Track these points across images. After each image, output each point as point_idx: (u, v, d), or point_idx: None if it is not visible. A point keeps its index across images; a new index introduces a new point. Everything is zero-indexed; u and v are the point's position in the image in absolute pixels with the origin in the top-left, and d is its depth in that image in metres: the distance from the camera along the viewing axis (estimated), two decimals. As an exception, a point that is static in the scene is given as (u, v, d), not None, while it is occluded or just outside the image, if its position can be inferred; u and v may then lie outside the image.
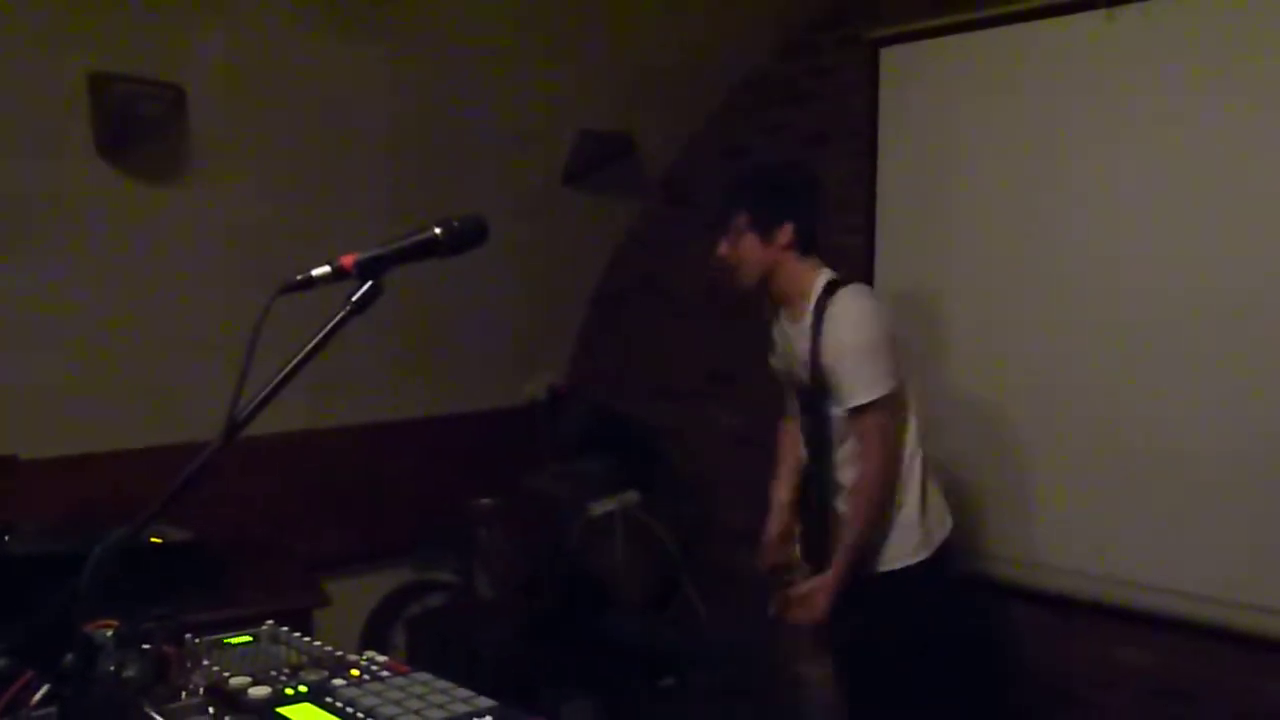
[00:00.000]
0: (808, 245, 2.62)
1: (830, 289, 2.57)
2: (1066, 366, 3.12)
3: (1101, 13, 2.99)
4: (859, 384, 2.52)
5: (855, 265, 3.55)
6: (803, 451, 2.79)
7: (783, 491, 2.86)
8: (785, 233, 2.59)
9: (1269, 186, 2.76)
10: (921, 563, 2.62)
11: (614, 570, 3.89)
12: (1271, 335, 2.77)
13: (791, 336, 2.66)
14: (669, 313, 4.32)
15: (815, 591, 2.56)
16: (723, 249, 2.63)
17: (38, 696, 1.25)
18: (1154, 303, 2.95)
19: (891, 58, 3.49)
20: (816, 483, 2.71)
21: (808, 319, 2.59)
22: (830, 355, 2.54)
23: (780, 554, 2.82)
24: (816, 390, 2.60)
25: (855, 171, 3.62)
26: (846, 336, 2.53)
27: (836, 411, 2.59)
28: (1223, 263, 2.84)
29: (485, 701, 1.21)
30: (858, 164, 3.61)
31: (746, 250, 2.60)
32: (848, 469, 2.62)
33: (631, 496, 3.96)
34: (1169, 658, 3.03)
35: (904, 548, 2.62)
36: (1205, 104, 2.86)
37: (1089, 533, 3.10)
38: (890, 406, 2.55)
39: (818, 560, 2.67)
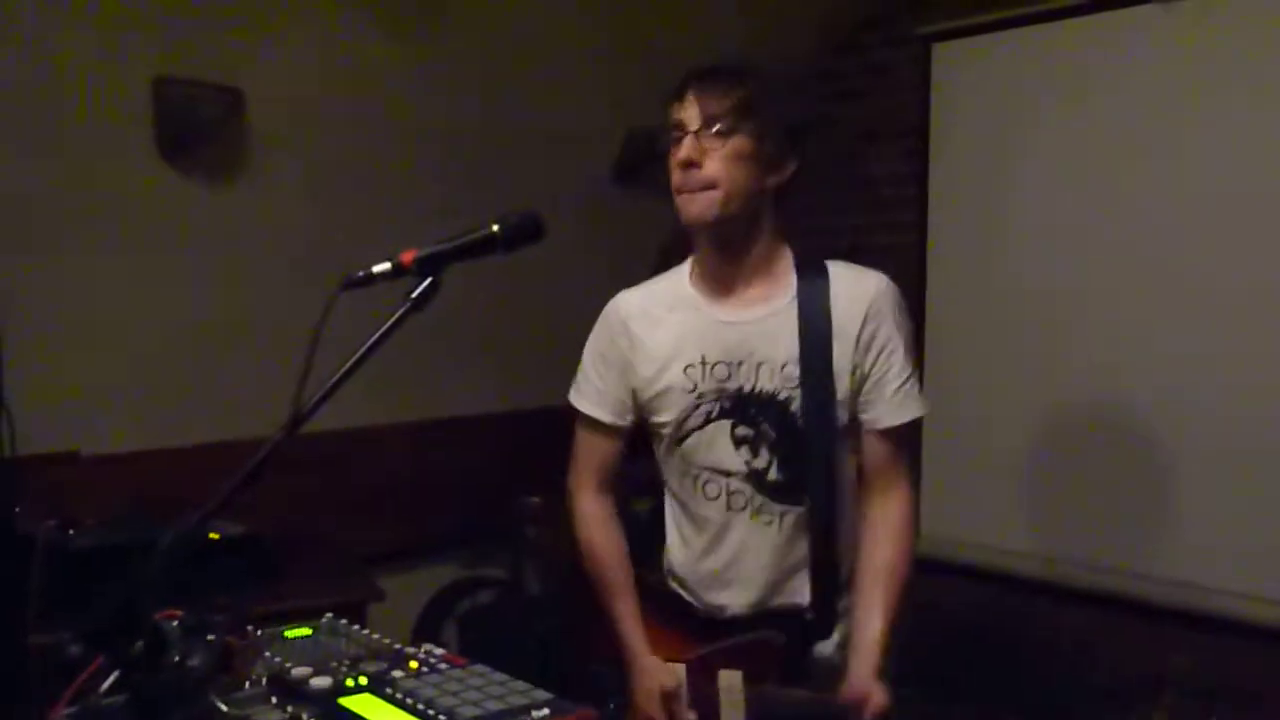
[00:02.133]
0: (783, 203, 1.81)
1: (810, 262, 1.82)
2: (1127, 368, 3.07)
3: (1159, 4, 2.94)
4: (914, 388, 1.77)
5: (907, 265, 3.53)
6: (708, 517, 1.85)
7: (630, 602, 1.95)
8: (785, 172, 1.77)
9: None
10: None
11: (652, 565, 3.88)
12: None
13: (732, 325, 1.79)
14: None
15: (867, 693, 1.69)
16: (691, 148, 1.73)
17: (107, 684, 1.28)
18: (1217, 299, 2.89)
19: (944, 54, 3.46)
20: (826, 542, 1.79)
21: (778, 303, 1.78)
22: (884, 343, 1.75)
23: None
24: (817, 404, 1.74)
25: (907, 170, 3.59)
26: (894, 316, 1.76)
27: (840, 441, 1.78)
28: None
29: (541, 694, 1.22)
30: (910, 162, 3.59)
31: (739, 164, 1.72)
32: (846, 527, 1.81)
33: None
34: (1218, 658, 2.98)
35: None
36: (1269, 95, 2.80)
37: (1142, 532, 3.05)
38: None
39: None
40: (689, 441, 1.83)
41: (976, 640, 3.32)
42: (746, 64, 1.81)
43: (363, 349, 1.24)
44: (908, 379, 1.76)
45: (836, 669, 1.78)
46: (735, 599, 1.85)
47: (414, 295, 1.27)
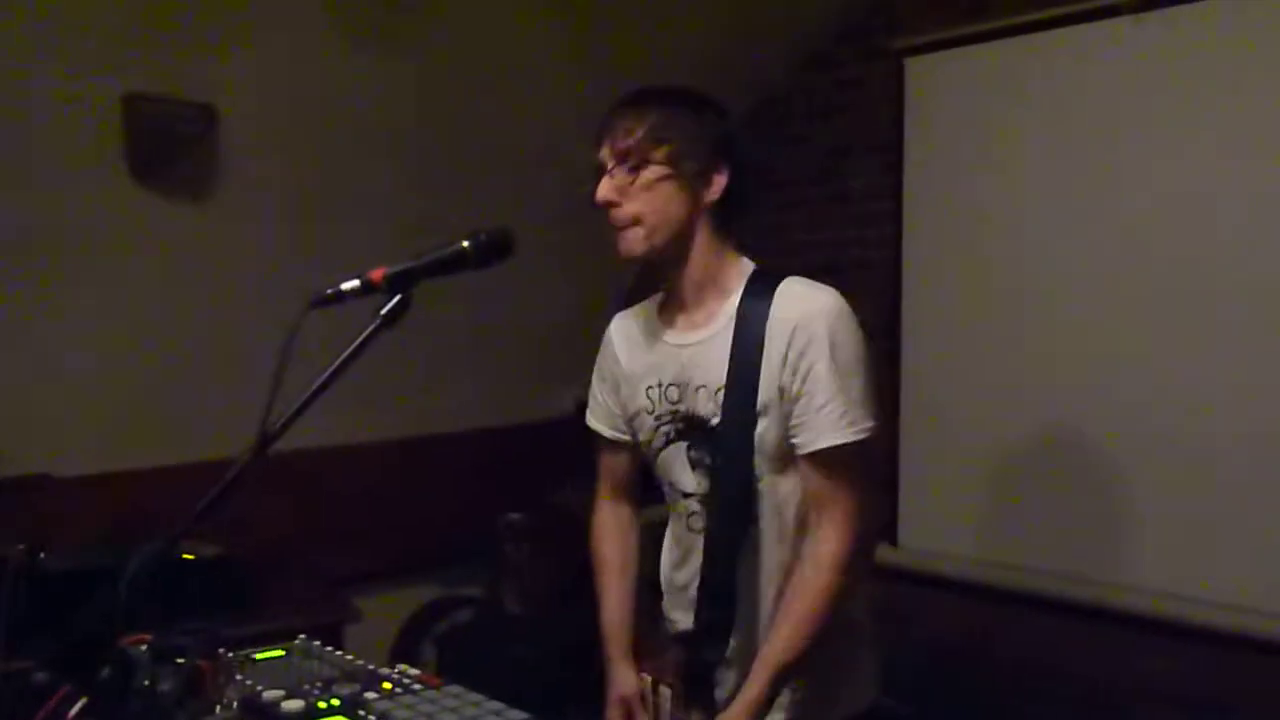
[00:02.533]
0: (729, 217, 1.77)
1: (763, 278, 1.75)
2: (1102, 378, 3.09)
3: (1128, 18, 2.98)
4: (849, 407, 1.64)
5: (883, 280, 3.54)
6: (682, 530, 1.83)
7: (618, 609, 1.92)
8: (716, 186, 1.71)
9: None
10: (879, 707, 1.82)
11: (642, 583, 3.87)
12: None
13: (679, 348, 1.78)
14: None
15: None
16: (606, 189, 1.71)
17: (75, 710, 1.26)
18: (1190, 304, 2.91)
19: (917, 68, 3.48)
20: (724, 566, 1.71)
21: (717, 326, 1.73)
22: (815, 360, 1.64)
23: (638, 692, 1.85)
24: (738, 428, 1.68)
25: (882, 184, 3.61)
26: (829, 334, 1.64)
27: (763, 466, 1.70)
28: (1258, 263, 2.80)
29: (516, 714, 1.21)
30: (884, 177, 3.60)
31: (659, 195, 1.68)
32: (779, 548, 1.72)
33: (659, 511, 3.94)
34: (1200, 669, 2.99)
35: (866, 678, 1.84)
36: (1233, 108, 2.84)
37: (1116, 541, 3.06)
38: (870, 456, 1.71)
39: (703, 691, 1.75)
40: (657, 461, 1.83)
41: (952, 651, 3.32)
42: (653, 90, 1.78)
43: (332, 368, 1.23)
44: (835, 401, 1.64)
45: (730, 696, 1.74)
46: (690, 616, 1.82)
47: (384, 312, 1.27)
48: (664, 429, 1.79)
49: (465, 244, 1.32)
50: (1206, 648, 2.92)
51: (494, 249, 1.34)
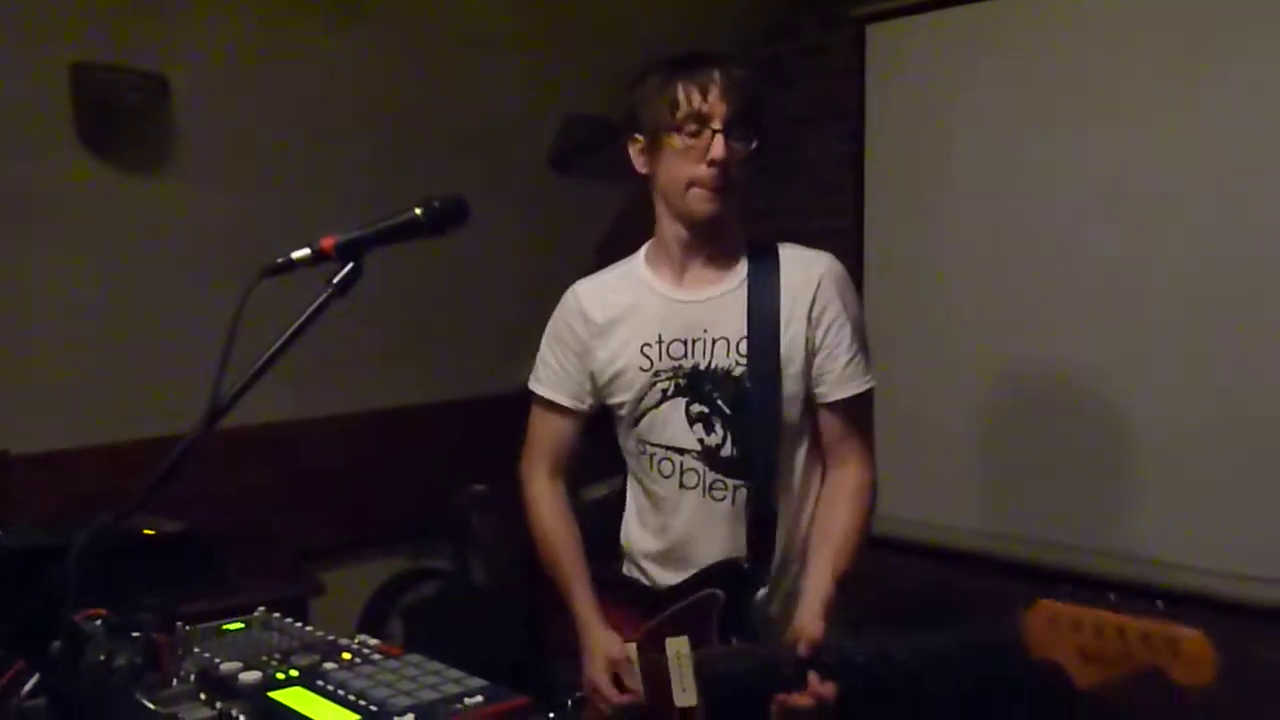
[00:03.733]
0: None
1: (760, 243, 1.90)
2: (1063, 347, 3.12)
3: (1095, -16, 2.98)
4: (864, 360, 1.83)
5: (844, 249, 3.55)
6: (675, 495, 1.87)
7: (583, 580, 1.98)
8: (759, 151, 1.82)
9: (1268, 159, 2.74)
10: None
11: (608, 554, 3.88)
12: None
13: (687, 305, 1.85)
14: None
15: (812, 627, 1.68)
16: (730, 154, 1.73)
17: (28, 686, 1.25)
18: (1157, 269, 2.93)
19: (878, 35, 3.48)
20: (765, 503, 1.81)
21: (730, 284, 1.84)
22: (834, 318, 1.81)
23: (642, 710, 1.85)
24: (762, 376, 1.78)
25: (844, 152, 3.61)
26: (840, 294, 1.82)
27: (789, 416, 1.81)
28: (1226, 239, 2.82)
29: (476, 681, 1.21)
30: (846, 145, 3.60)
31: (750, 171, 1.79)
32: (792, 487, 1.85)
33: (623, 480, 3.96)
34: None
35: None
36: (1198, 70, 2.85)
37: (1082, 509, 3.10)
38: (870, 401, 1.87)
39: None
40: (644, 421, 1.87)
41: (924, 618, 3.36)
42: (742, 59, 1.84)
43: (283, 338, 1.22)
44: (856, 353, 1.82)
45: (772, 622, 1.83)
46: (683, 575, 1.88)
47: (335, 281, 1.26)
48: (661, 385, 1.84)
49: (418, 211, 1.31)
50: (1176, 613, 2.97)
51: (447, 216, 1.33)
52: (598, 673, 1.86)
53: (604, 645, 1.87)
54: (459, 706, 1.15)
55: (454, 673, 1.24)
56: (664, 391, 1.84)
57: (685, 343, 1.83)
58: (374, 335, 3.67)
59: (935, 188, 3.38)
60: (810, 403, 1.85)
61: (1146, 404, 2.96)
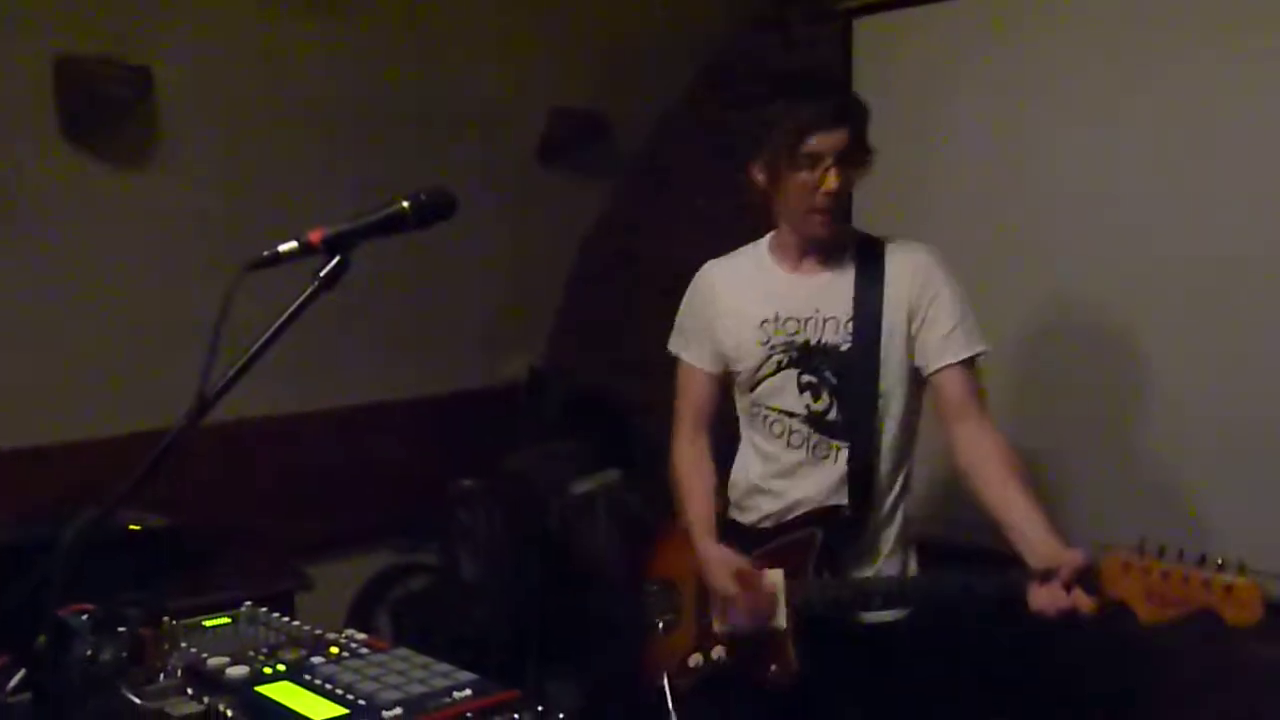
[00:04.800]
0: None
1: (866, 238, 2.15)
2: (1051, 343, 3.12)
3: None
4: (973, 326, 2.04)
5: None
6: (799, 453, 2.10)
7: (708, 514, 2.18)
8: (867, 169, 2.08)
9: (1265, 145, 2.73)
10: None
11: (596, 549, 3.89)
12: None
13: (800, 288, 2.10)
14: (645, 290, 4.32)
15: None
16: (837, 182, 1.99)
17: (14, 681, 1.24)
18: (1147, 275, 2.94)
19: (865, 28, 3.47)
20: (865, 460, 2.06)
21: (840, 270, 2.08)
22: (932, 296, 2.03)
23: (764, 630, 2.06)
24: (863, 351, 2.04)
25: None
26: (950, 275, 2.06)
27: (887, 387, 2.06)
28: (1225, 234, 2.80)
29: (465, 675, 1.21)
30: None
31: (851, 185, 2.06)
32: (893, 448, 2.09)
33: (612, 475, 3.97)
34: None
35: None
36: (1184, 66, 2.85)
37: (1080, 506, 3.12)
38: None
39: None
40: (761, 387, 2.12)
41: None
42: (857, 101, 2.12)
43: (270, 331, 1.21)
44: (954, 327, 2.03)
45: (860, 563, 2.09)
46: (784, 515, 2.13)
47: (322, 274, 1.25)
48: (776, 357, 2.10)
49: (404, 204, 1.30)
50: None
51: (434, 209, 1.32)
52: (722, 579, 2.04)
53: (724, 558, 2.07)
54: (447, 700, 1.14)
55: (442, 666, 1.24)
56: (778, 363, 2.09)
57: (799, 320, 2.08)
58: (361, 329, 3.67)
59: (922, 182, 3.38)
60: (912, 377, 2.07)
61: (1142, 400, 2.97)
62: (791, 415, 2.10)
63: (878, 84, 3.45)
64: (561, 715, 1.08)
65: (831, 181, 1.97)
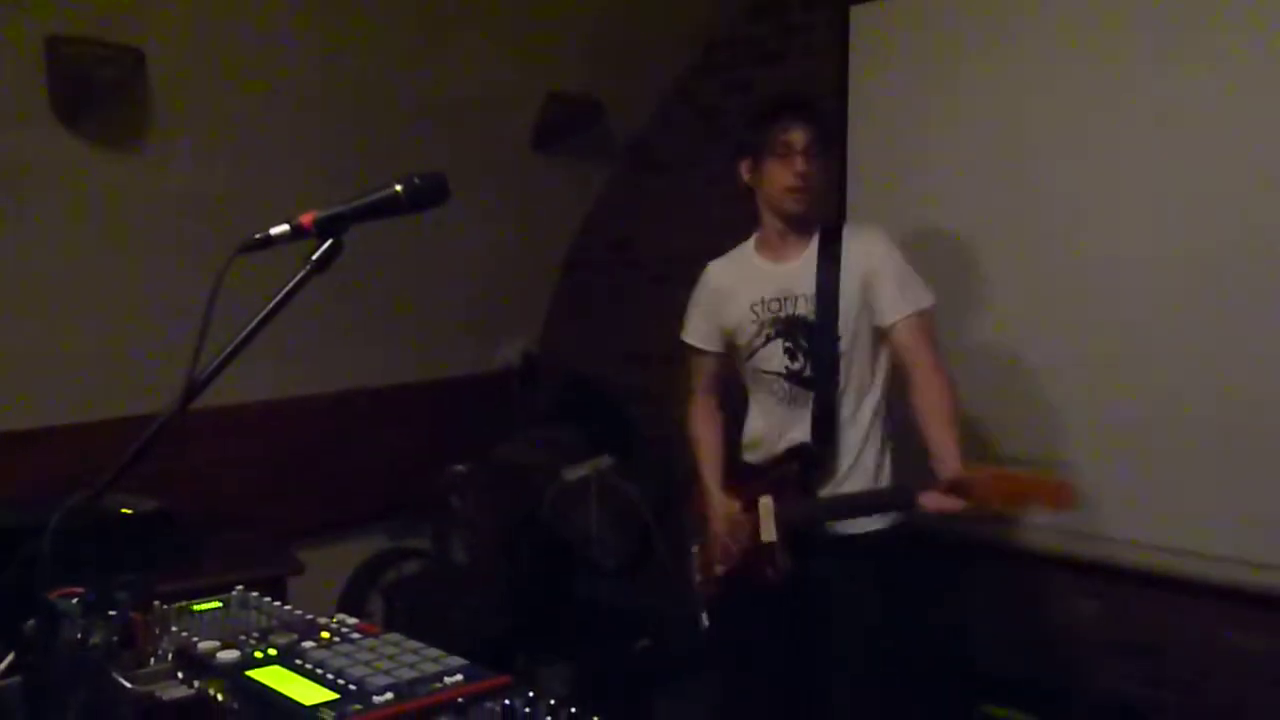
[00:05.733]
0: None
1: (828, 227, 2.57)
2: (1044, 333, 3.13)
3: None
4: (919, 285, 2.48)
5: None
6: (781, 406, 2.58)
7: (715, 463, 2.73)
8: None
9: (1258, 139, 2.75)
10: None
11: (588, 535, 3.90)
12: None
13: (779, 274, 2.57)
14: (640, 277, 4.31)
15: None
16: (804, 165, 2.49)
17: (3, 665, 1.24)
18: (1135, 263, 2.95)
19: (862, 16, 3.46)
20: (828, 404, 2.53)
21: (807, 257, 2.54)
22: (877, 268, 2.47)
23: (746, 549, 2.59)
24: (825, 319, 2.50)
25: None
26: (890, 248, 2.51)
27: (846, 345, 2.50)
28: (1223, 228, 2.82)
29: (456, 660, 1.20)
30: (828, 126, 3.59)
31: (820, 175, 2.53)
32: (854, 394, 2.53)
33: (605, 462, 3.97)
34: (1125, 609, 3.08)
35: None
36: (1181, 50, 2.85)
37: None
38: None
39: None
40: (755, 356, 2.60)
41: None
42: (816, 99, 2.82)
43: (263, 314, 1.21)
44: (898, 289, 2.46)
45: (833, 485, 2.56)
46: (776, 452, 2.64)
47: (315, 258, 1.24)
48: (765, 330, 2.57)
49: (398, 187, 1.29)
50: (1135, 589, 3.02)
51: (428, 193, 1.31)
52: (719, 522, 2.64)
53: (723, 506, 2.65)
54: (438, 685, 1.14)
55: (433, 651, 1.23)
56: (767, 335, 2.57)
57: (779, 300, 2.55)
58: (354, 314, 3.66)
59: (918, 170, 3.38)
60: (873, 336, 2.51)
61: (1137, 392, 2.98)
62: (778, 375, 2.58)
63: (874, 71, 3.46)
64: (552, 701, 1.08)
65: (799, 164, 2.48)
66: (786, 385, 2.58)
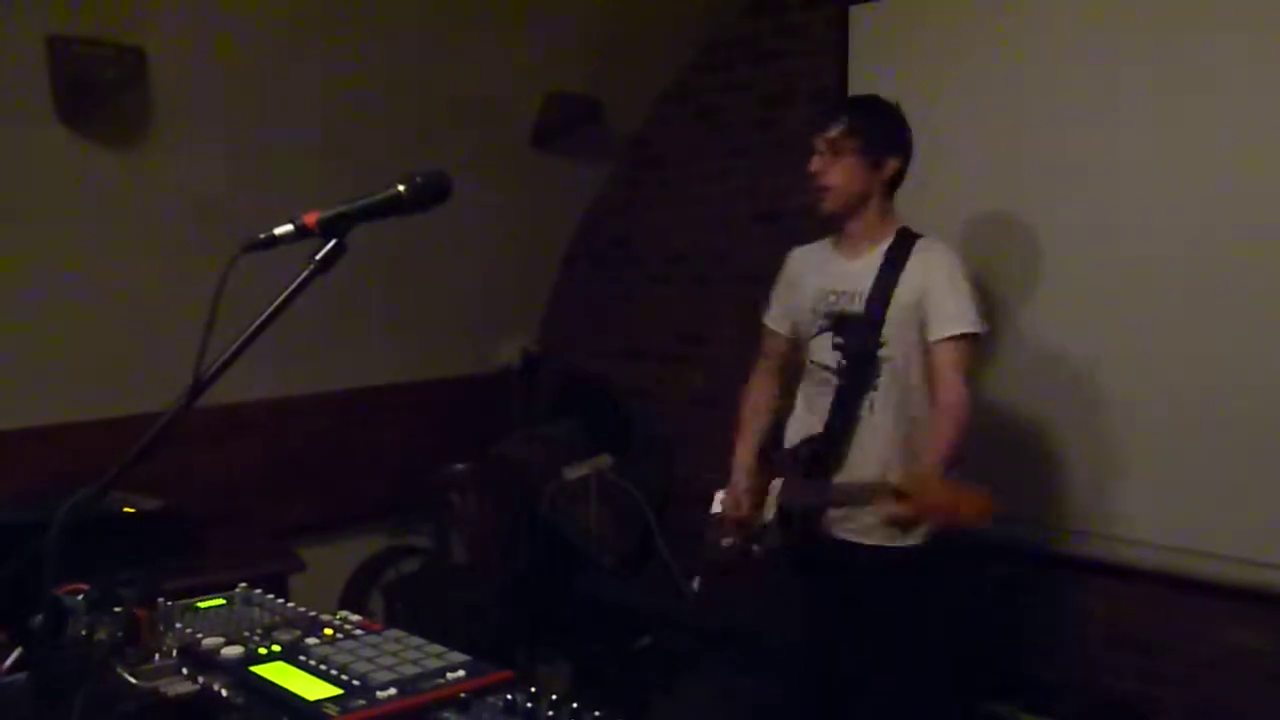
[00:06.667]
0: (894, 188, 2.59)
1: (908, 235, 2.55)
2: (1052, 330, 3.13)
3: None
4: (972, 311, 2.46)
5: (824, 227, 3.55)
6: (813, 392, 2.63)
7: (747, 454, 2.76)
8: (890, 167, 2.53)
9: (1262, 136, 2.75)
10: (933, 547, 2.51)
11: (588, 533, 3.91)
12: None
13: (845, 271, 2.58)
14: (640, 275, 4.32)
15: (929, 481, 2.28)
16: (816, 164, 2.53)
17: (10, 661, 1.25)
18: (1148, 260, 2.93)
19: (860, 15, 3.47)
20: (853, 400, 2.54)
21: (873, 258, 2.54)
22: (938, 284, 2.46)
23: (744, 520, 2.68)
24: (870, 321, 2.51)
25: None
26: (958, 270, 2.49)
27: (888, 350, 2.50)
28: (1226, 223, 2.82)
29: (458, 656, 1.22)
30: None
31: (846, 173, 2.51)
32: (893, 394, 2.52)
33: (605, 460, 3.98)
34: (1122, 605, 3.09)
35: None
36: (1183, 51, 2.85)
37: (1078, 496, 3.13)
38: (975, 355, 2.52)
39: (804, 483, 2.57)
40: (810, 345, 2.64)
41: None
42: (853, 98, 2.87)
43: (266, 313, 1.22)
44: (951, 310, 2.46)
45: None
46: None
47: (319, 257, 1.25)
48: (820, 322, 2.60)
49: (401, 187, 1.30)
50: (1134, 586, 3.03)
51: (429, 193, 1.32)
52: (736, 491, 2.70)
53: (740, 480, 2.71)
54: (441, 681, 1.15)
55: (435, 647, 1.24)
56: (820, 326, 2.60)
57: (838, 295, 2.57)
58: (356, 313, 3.66)
59: (918, 170, 3.38)
60: (919, 345, 2.50)
61: (1143, 389, 2.98)
62: (824, 367, 2.60)
63: (873, 70, 3.45)
64: (554, 696, 1.09)
65: (813, 162, 2.53)
66: (834, 379, 2.59)
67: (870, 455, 2.53)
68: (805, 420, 2.66)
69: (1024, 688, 3.13)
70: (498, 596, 3.76)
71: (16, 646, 1.21)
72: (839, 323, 2.58)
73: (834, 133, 2.50)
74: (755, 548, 2.62)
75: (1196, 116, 2.85)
